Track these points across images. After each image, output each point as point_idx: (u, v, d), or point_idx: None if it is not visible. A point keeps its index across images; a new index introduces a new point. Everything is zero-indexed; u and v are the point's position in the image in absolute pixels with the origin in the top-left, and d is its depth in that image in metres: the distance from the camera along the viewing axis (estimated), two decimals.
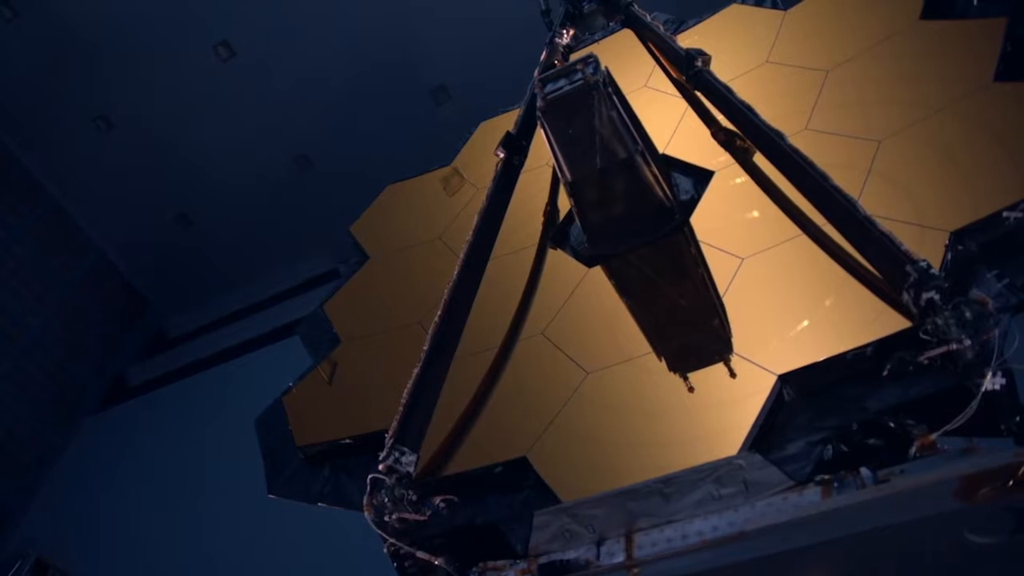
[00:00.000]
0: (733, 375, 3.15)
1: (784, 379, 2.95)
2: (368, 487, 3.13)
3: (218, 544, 8.47)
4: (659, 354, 3.51)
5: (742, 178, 4.00)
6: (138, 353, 13.99)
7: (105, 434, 12.22)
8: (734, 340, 3.26)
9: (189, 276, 13.97)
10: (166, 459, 10.47)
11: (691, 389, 3.23)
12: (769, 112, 3.82)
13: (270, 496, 4.04)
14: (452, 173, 5.51)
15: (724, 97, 3.99)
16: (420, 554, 3.10)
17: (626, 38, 5.50)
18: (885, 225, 2.93)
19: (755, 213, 3.77)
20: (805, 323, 3.13)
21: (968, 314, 2.54)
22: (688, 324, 3.77)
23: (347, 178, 11.88)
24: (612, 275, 4.07)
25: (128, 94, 12.47)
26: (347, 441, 3.96)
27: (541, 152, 4.26)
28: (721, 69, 4.48)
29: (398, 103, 11.83)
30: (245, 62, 12.03)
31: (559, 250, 4.37)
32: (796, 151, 3.40)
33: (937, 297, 2.59)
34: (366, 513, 3.11)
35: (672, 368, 3.40)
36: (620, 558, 2.76)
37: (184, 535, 9.02)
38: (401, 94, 11.85)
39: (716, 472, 2.67)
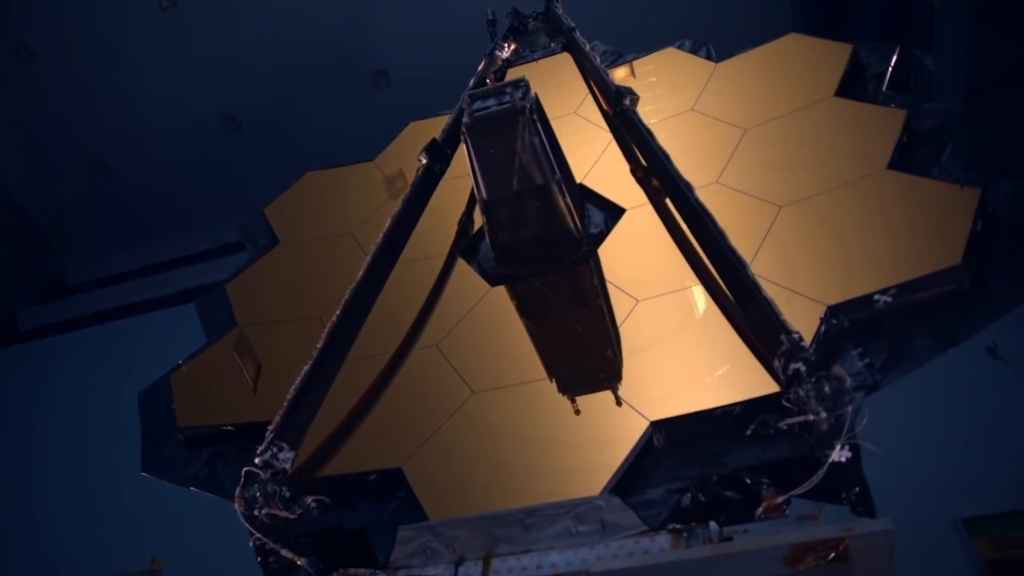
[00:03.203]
0: (619, 403, 3.28)
1: (656, 425, 3.09)
2: (242, 479, 3.13)
3: (88, 510, 8.26)
4: (551, 375, 3.62)
5: (651, 221, 4.12)
6: (33, 296, 13.43)
7: None
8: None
9: (98, 224, 13.46)
10: (47, 412, 10.10)
11: (577, 412, 3.36)
12: (686, 160, 3.98)
13: (142, 474, 4.00)
14: (396, 176, 5.46)
15: (644, 139, 4.12)
16: (284, 552, 3.12)
17: (565, 62, 5.60)
18: (771, 290, 3.10)
19: (657, 257, 3.89)
20: (684, 373, 3.27)
21: (827, 388, 2.70)
22: (583, 350, 3.90)
23: (272, 148, 11.69)
24: (515, 295, 4.17)
25: (56, 26, 11.93)
26: (228, 428, 3.95)
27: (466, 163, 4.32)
28: (649, 109, 4.64)
29: (336, 80, 11.67)
30: (186, 12, 11.67)
31: (466, 263, 4.43)
32: (701, 206, 3.54)
33: (803, 368, 2.75)
34: (236, 505, 3.12)
35: (562, 390, 3.53)
36: None
37: (53, 495, 8.75)
38: (341, 71, 11.69)
39: (576, 509, 2.78)
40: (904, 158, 3.71)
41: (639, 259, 3.98)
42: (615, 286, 3.85)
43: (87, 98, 12.41)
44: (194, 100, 12.19)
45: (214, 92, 12.12)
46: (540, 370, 3.64)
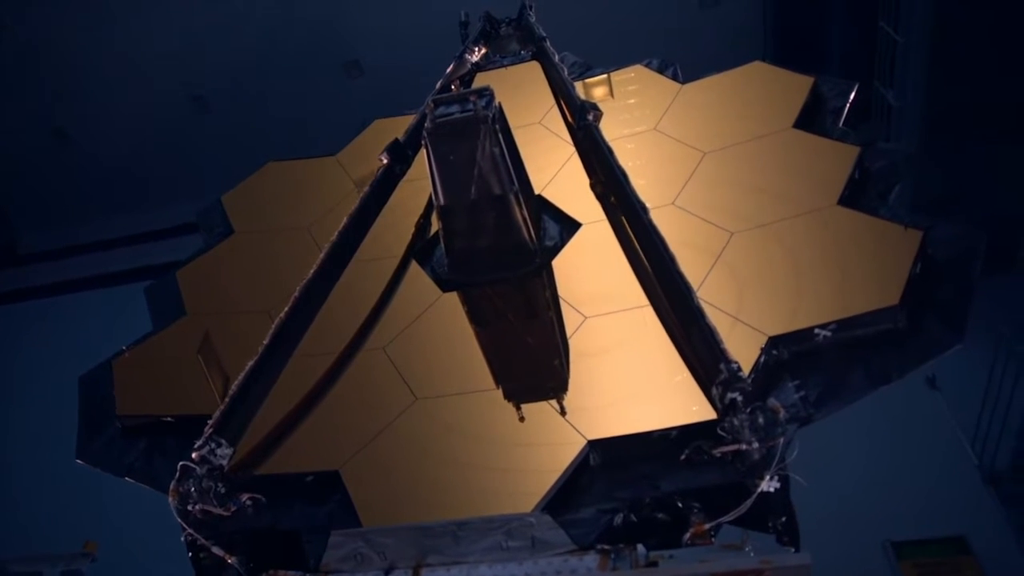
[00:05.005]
0: (564, 412, 3.32)
1: (593, 445, 3.12)
2: (177, 473, 3.12)
3: (21, 491, 8.11)
4: (496, 385, 3.64)
5: (606, 238, 4.15)
6: None
7: None
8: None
9: (55, 194, 13.21)
10: None
11: (522, 418, 3.39)
12: (644, 180, 4.02)
13: (77, 461, 3.94)
14: (356, 173, 5.43)
15: (604, 156, 4.15)
16: (215, 549, 3.11)
17: (533, 70, 5.62)
18: (715, 316, 3.15)
19: (608, 275, 3.92)
20: (625, 394, 3.31)
21: (761, 420, 2.75)
22: (531, 360, 3.93)
23: (238, 132, 11.55)
24: (466, 302, 4.18)
25: None
26: (168, 419, 3.90)
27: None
28: (612, 124, 4.67)
29: (308, 68, 11.58)
30: None
31: (420, 267, 4.43)
32: (654, 228, 3.58)
33: (739, 399, 2.80)
34: (170, 499, 3.11)
35: (508, 397, 3.55)
36: None
37: None
38: (314, 59, 11.60)
39: (508, 525, 2.81)
40: (854, 195, 3.80)
41: (591, 276, 4.01)
42: (564, 301, 3.89)
43: (54, 64, 12.17)
44: (164, 77, 12.03)
45: (184, 70, 11.98)
46: (485, 380, 3.66)
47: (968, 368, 6.64)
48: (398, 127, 4.98)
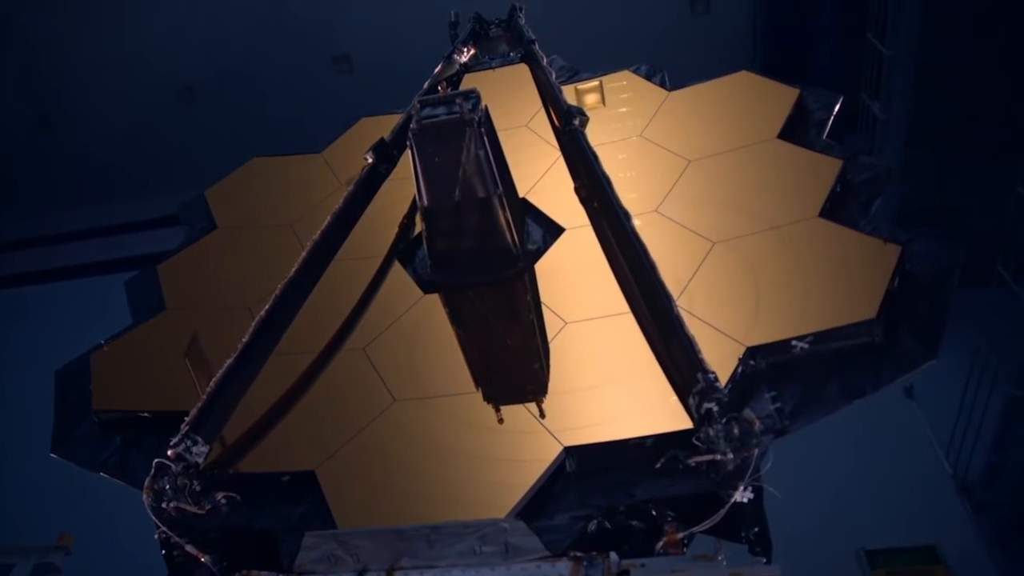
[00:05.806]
0: (543, 416, 3.32)
1: (569, 451, 3.13)
2: (152, 470, 3.10)
3: None
4: (478, 386, 3.64)
5: (589, 243, 4.16)
6: None
7: None
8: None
9: (37, 181, 13.09)
10: None
11: (500, 421, 3.39)
12: (628, 187, 4.02)
13: (52, 455, 3.91)
14: (341, 171, 5.40)
15: (588, 162, 4.14)
16: (189, 547, 3.09)
17: (522, 73, 5.61)
18: (694, 325, 3.15)
19: (590, 281, 3.93)
20: (603, 401, 3.32)
21: (736, 431, 2.76)
22: (511, 363, 3.92)
23: (225, 124, 11.48)
24: (448, 304, 4.18)
25: None
26: (145, 415, 3.89)
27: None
28: (597, 130, 4.67)
29: (298, 61, 11.52)
30: None
31: (403, 268, 4.43)
32: (635, 235, 3.58)
33: (715, 409, 2.81)
34: (144, 496, 3.08)
35: (487, 400, 3.55)
36: None
37: None
38: (304, 52, 11.55)
39: (482, 530, 2.81)
40: (836, 207, 3.83)
41: (572, 281, 4.03)
42: (546, 306, 3.90)
43: (42, 50, 12.06)
44: (151, 66, 11.94)
45: (172, 60, 11.88)
46: (464, 383, 3.66)
47: (944, 379, 6.70)
48: (384, 125, 4.98)
